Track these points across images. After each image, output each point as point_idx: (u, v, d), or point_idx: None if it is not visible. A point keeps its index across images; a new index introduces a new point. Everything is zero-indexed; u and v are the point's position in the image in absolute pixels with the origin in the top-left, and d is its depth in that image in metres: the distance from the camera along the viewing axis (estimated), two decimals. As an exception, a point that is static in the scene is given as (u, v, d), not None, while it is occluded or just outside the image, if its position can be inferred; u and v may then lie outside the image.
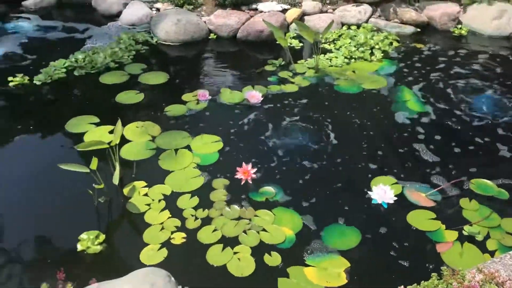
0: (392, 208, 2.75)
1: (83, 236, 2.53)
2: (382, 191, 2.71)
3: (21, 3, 5.94)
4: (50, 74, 4.30)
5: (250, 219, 2.72)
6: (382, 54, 4.73)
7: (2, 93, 4.05)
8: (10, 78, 4.18)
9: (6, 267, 2.42)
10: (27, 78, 4.22)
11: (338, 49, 4.85)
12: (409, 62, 4.65)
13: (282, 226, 2.67)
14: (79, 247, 2.50)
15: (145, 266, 2.37)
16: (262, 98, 3.92)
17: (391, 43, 4.99)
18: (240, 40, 5.14)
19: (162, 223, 2.69)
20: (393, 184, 2.97)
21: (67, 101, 4.00)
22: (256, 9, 5.40)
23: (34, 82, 4.19)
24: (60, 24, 5.52)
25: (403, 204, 2.84)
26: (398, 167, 3.16)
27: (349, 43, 4.90)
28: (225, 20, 5.15)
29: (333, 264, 2.44)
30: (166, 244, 2.55)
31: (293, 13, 5.32)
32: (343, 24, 5.37)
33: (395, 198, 2.72)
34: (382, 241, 2.60)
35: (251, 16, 5.26)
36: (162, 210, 2.79)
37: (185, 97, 4.01)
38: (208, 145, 3.39)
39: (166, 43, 5.05)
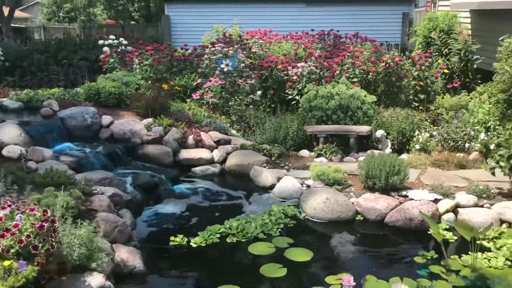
0: None
1: None
2: None
3: (191, 169, 6.83)
4: (205, 238, 4.67)
5: None
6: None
7: (164, 252, 4.47)
8: (172, 238, 4.63)
9: None
10: (185, 239, 4.63)
11: (498, 249, 4.45)
12: None
13: None
14: None
15: None
16: (412, 295, 3.68)
17: None
18: (388, 225, 5.08)
19: None
20: None
21: (217, 267, 4.24)
22: (406, 196, 5.36)
23: (191, 243, 4.57)
24: (220, 190, 6.14)
25: None
26: None
27: (512, 243, 4.49)
28: (373, 204, 5.21)
29: None
30: None
31: (445, 204, 5.14)
32: (502, 222, 5.00)
33: None
34: None
35: (401, 203, 5.23)
36: None
37: (328, 279, 3.95)
38: None
39: (313, 219, 5.22)
